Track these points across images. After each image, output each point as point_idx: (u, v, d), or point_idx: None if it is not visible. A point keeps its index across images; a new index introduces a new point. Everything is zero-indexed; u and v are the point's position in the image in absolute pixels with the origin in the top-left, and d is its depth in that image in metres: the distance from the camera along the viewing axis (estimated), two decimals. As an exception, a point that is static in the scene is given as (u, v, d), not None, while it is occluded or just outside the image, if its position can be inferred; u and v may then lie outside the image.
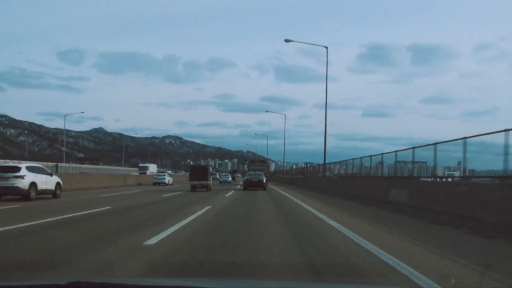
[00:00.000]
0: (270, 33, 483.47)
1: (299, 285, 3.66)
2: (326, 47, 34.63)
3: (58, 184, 22.25)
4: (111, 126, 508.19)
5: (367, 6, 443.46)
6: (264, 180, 34.93)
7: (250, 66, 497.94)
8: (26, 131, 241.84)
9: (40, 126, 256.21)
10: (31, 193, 19.74)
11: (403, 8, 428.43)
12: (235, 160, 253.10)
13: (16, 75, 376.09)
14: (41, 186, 20.63)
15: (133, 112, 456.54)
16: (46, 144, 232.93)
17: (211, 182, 33.10)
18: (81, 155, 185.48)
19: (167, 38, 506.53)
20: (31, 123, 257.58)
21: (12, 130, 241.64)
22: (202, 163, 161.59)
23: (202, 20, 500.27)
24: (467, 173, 17.74)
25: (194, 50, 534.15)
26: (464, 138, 13.97)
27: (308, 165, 54.34)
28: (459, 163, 19.89)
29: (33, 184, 19.93)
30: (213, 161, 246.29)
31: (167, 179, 48.07)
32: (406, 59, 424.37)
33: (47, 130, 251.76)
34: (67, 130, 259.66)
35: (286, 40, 36.13)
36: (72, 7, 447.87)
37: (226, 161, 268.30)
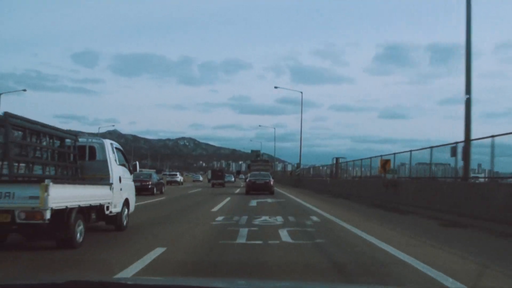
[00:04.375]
0: (286, 34, 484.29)
1: (300, 285, 3.53)
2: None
3: (183, 180, 60.30)
4: (126, 128, 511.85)
5: (383, 4, 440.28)
6: (272, 182, 30.24)
7: (266, 67, 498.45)
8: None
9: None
10: (180, 183, 54.45)
11: (421, 6, 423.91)
12: (249, 162, 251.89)
13: (32, 78, 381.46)
14: (180, 180, 55.32)
15: (148, 114, 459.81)
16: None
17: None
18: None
19: (182, 40, 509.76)
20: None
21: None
22: (215, 165, 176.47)
23: (217, 22, 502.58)
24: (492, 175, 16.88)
25: (209, 51, 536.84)
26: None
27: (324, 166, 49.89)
28: (479, 165, 19.04)
29: (179, 179, 55.83)
30: (226, 163, 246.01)
31: (201, 178, 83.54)
32: (424, 59, 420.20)
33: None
34: (80, 132, 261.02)
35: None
36: (85, 9, 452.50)
37: (240, 163, 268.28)
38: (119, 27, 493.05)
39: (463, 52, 14.45)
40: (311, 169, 54.24)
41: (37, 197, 6.78)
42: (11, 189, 6.91)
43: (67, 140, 9.32)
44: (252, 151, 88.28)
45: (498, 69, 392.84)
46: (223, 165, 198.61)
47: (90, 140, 10.14)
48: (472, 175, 18.43)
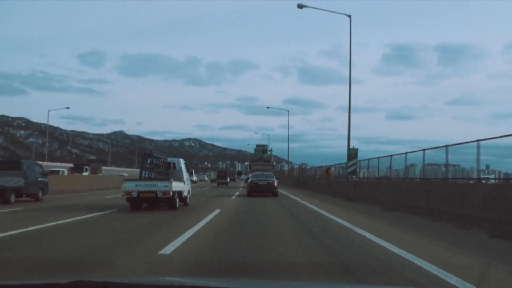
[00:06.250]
0: (293, 34, 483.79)
1: (300, 285, 3.58)
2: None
3: (197, 179, 72.17)
4: (132, 129, 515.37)
5: (391, 4, 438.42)
6: (276, 184, 27.43)
7: (273, 68, 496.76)
8: (36, 133, 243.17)
9: (56, 128, 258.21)
10: (195, 181, 59.15)
11: (429, 5, 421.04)
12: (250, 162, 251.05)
13: (38, 79, 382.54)
14: (195, 179, 63.28)
15: (154, 115, 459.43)
16: (57, 145, 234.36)
17: (229, 181, 60.62)
18: (93, 157, 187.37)
19: (189, 40, 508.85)
20: (48, 126, 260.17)
21: (23, 132, 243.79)
22: (221, 166, 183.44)
23: (224, 22, 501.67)
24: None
25: (216, 52, 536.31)
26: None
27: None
28: (487, 166, 19.02)
29: (195, 178, 64.73)
30: (230, 164, 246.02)
31: (206, 178, 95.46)
32: (433, 60, 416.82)
33: (62, 132, 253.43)
34: (84, 132, 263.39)
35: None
36: (92, 9, 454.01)
37: (246, 163, 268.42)
38: (125, 27, 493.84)
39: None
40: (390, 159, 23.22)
41: (167, 186, 15.42)
42: (155, 183, 15.73)
43: (163, 159, 18.59)
44: (257, 145, 79.53)
45: (507, 69, 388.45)
46: (228, 166, 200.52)
47: (173, 159, 19.40)
48: (482, 176, 18.46)
